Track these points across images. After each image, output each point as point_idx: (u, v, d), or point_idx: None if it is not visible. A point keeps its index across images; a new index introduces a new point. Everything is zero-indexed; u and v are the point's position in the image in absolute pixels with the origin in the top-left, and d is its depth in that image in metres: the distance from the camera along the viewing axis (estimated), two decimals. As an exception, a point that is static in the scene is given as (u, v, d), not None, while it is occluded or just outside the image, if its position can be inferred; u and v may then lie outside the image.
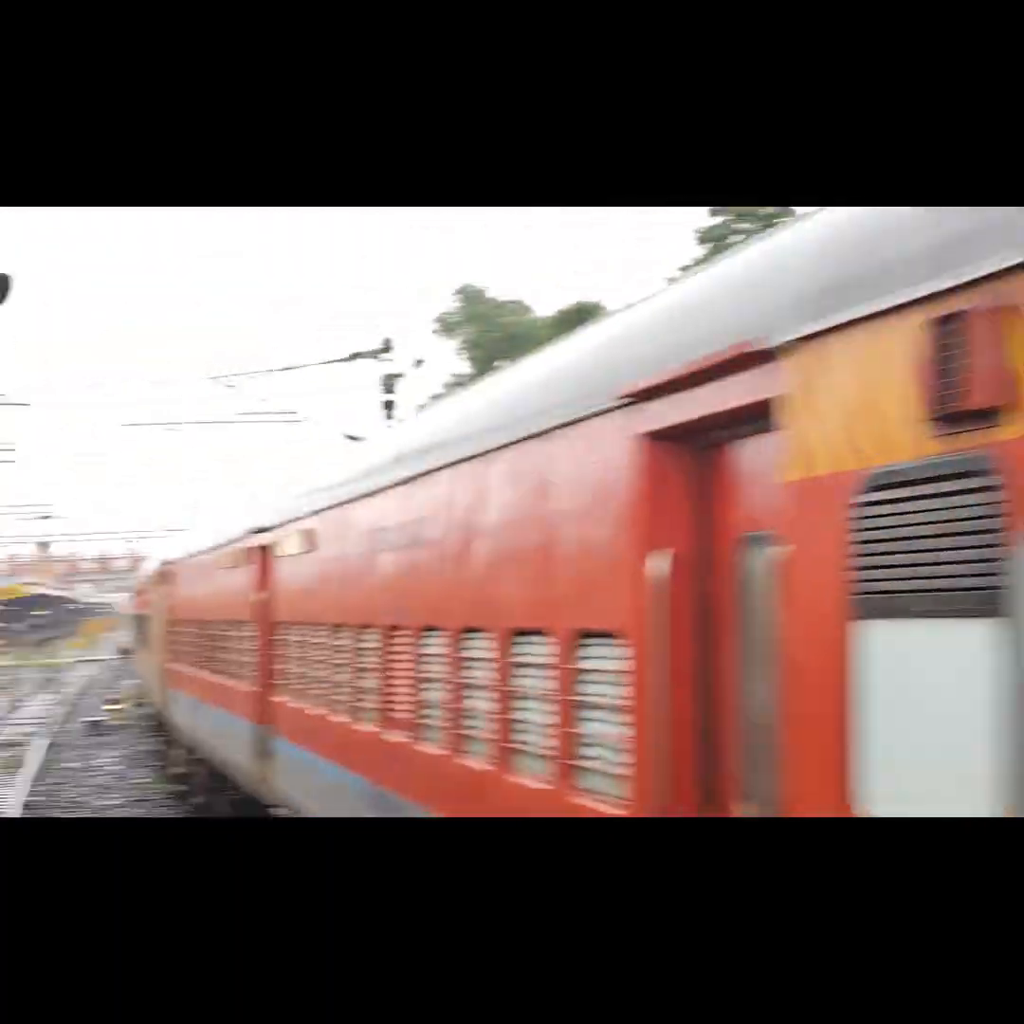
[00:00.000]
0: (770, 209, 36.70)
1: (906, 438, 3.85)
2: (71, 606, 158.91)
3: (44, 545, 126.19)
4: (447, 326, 53.79)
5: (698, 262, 34.89)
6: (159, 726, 32.76)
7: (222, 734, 17.68)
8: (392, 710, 9.29)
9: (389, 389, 28.91)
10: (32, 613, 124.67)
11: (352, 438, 27.53)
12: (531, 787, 6.65)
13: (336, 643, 11.06)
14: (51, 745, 36.27)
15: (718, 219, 43.14)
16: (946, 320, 3.70)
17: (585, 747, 6.17)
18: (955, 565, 3.59)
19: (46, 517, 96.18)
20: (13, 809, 25.52)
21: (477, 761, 7.48)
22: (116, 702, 42.74)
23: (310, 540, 12.04)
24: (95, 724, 39.42)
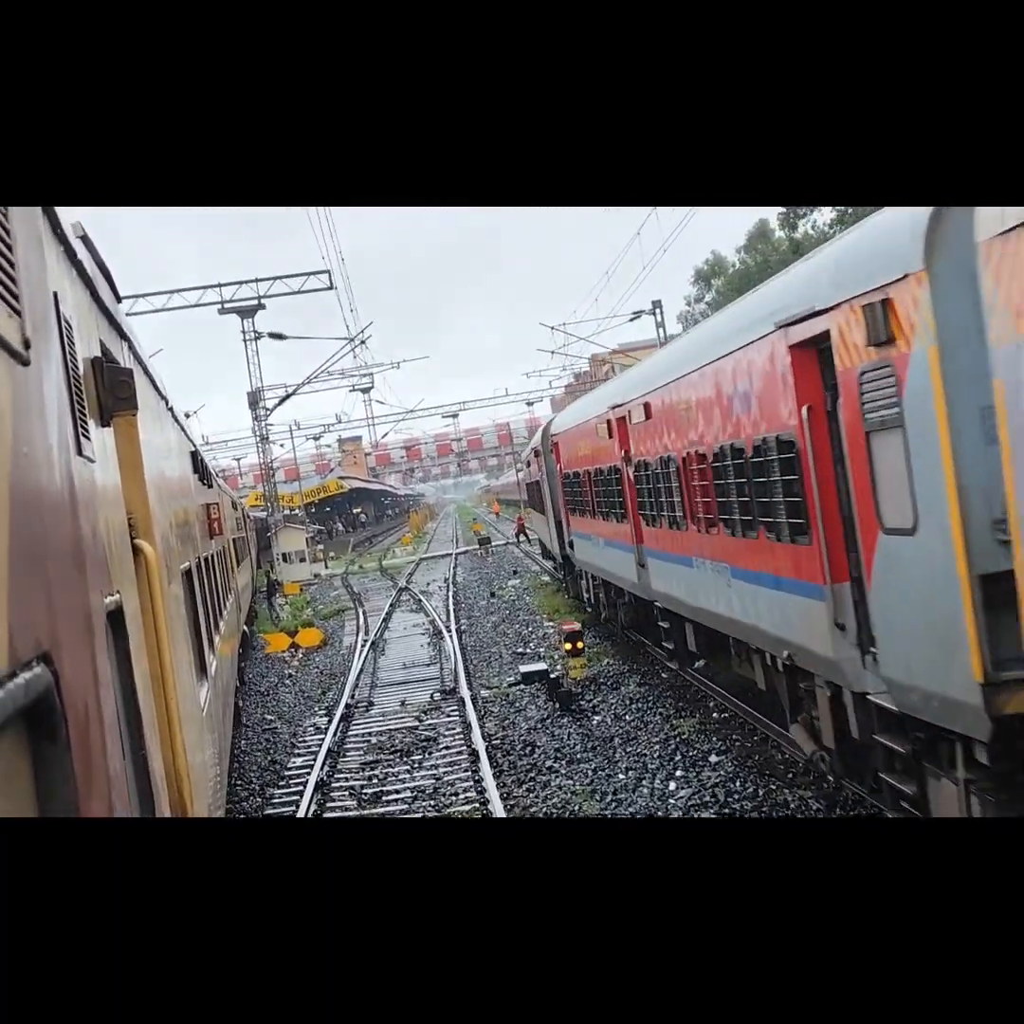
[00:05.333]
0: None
1: None
2: (385, 499, 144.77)
3: (353, 439, 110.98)
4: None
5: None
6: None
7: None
8: None
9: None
10: (352, 511, 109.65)
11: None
12: None
13: None
14: (500, 749, 17.69)
15: None
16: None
17: None
18: None
19: (368, 388, 79.49)
20: None
21: None
22: (576, 637, 21.91)
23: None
24: (553, 686, 20.33)
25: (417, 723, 20.84)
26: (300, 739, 21.25)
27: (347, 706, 22.93)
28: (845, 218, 64.98)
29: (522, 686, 22.21)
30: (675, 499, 15.78)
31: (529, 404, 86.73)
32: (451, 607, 37.93)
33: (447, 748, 18.56)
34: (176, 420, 12.10)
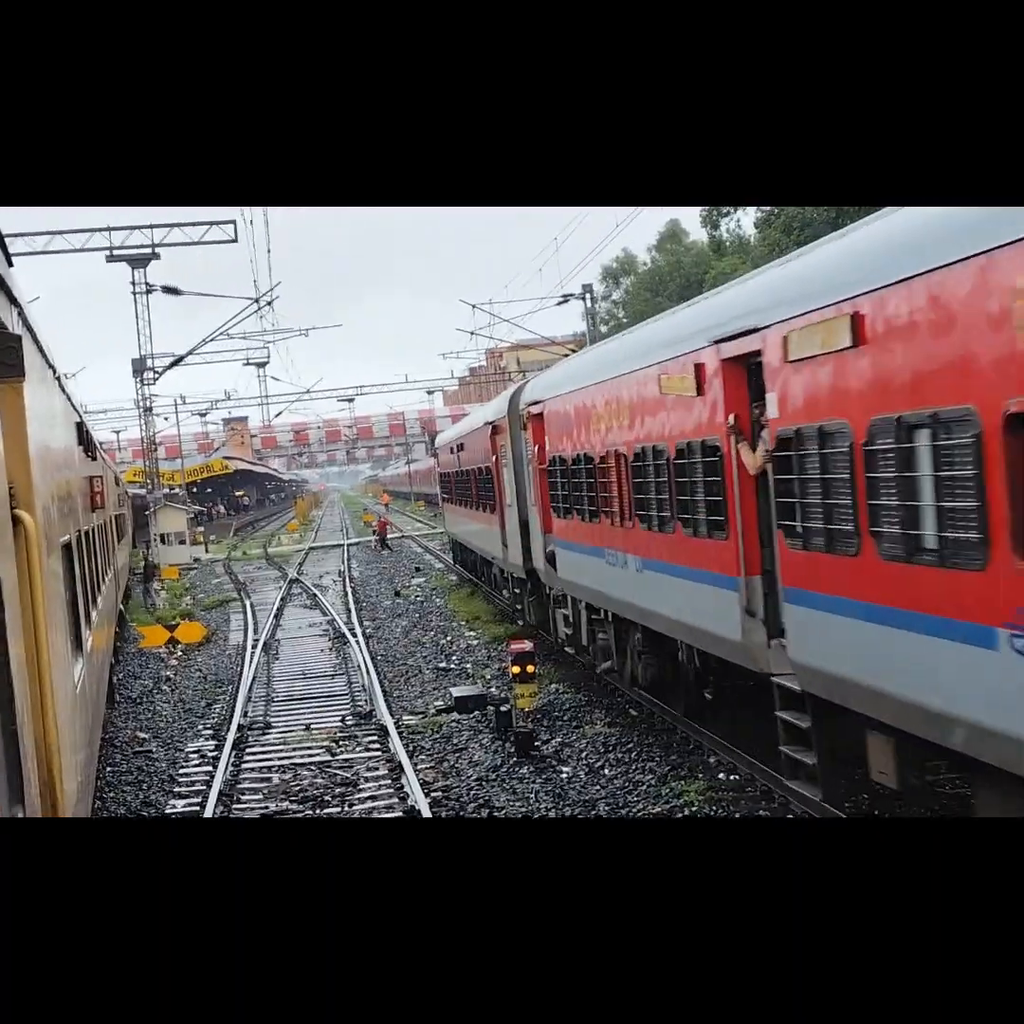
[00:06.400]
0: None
1: None
2: (269, 483, 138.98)
3: (239, 419, 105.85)
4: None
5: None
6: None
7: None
8: None
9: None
10: (235, 493, 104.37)
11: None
12: None
13: None
14: (445, 807, 13.60)
15: None
16: None
17: None
18: None
19: (264, 363, 74.55)
20: None
21: None
22: (527, 659, 16.59)
23: None
24: (502, 721, 16.26)
25: (329, 757, 16.66)
26: (181, 770, 16.91)
27: (239, 727, 18.64)
28: (771, 218, 62.16)
29: (456, 715, 18.19)
30: (962, 504, 7.40)
31: (429, 393, 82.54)
32: (351, 606, 33.68)
33: (372, 798, 14.42)
34: (63, 389, 11.41)
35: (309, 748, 17.36)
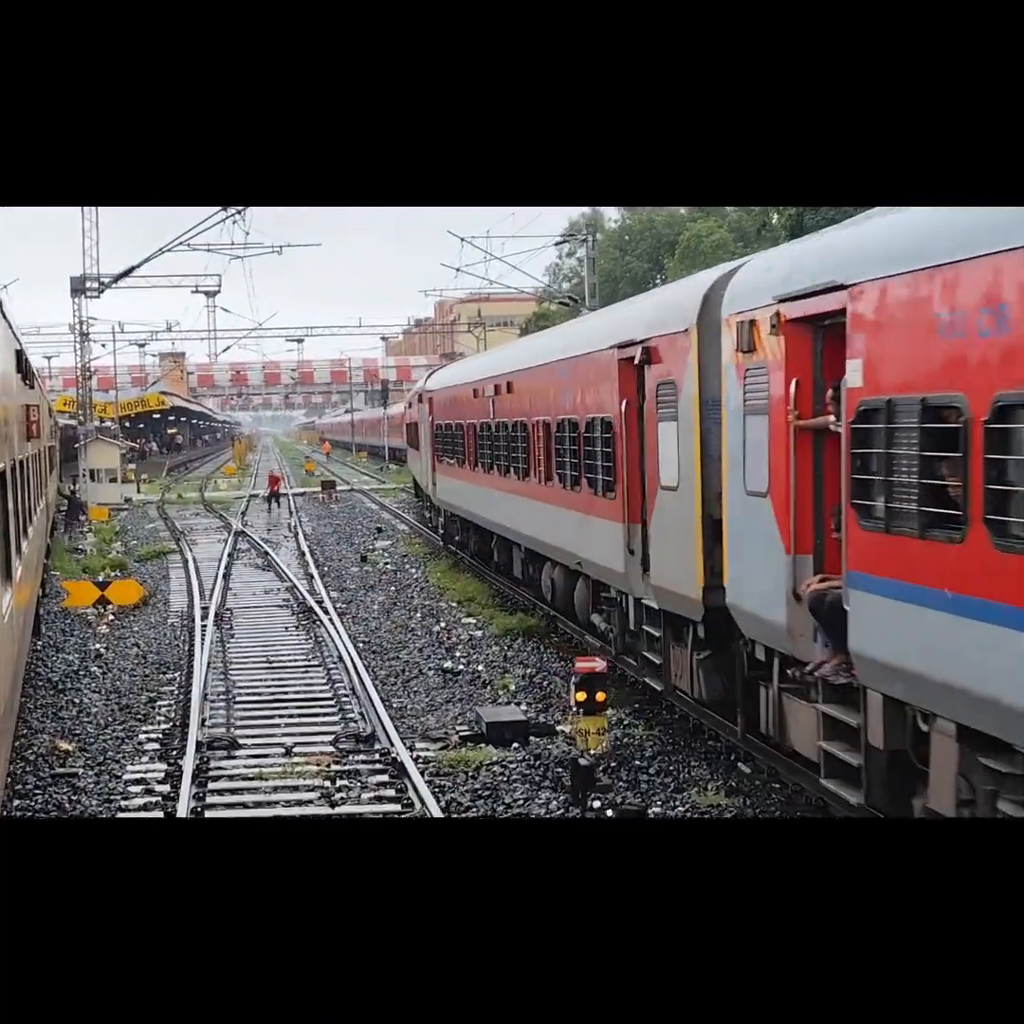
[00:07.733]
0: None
1: None
2: (202, 422, 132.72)
3: (177, 354, 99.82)
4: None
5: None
6: None
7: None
8: None
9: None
10: (168, 431, 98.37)
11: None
12: None
13: None
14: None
15: None
16: None
17: None
18: None
19: (214, 292, 68.47)
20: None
21: None
22: (596, 684, 12.21)
23: None
24: (583, 779, 11.21)
25: (328, 808, 11.81)
26: (118, 815, 11.95)
27: (196, 744, 13.71)
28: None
29: (491, 749, 13.42)
30: None
31: (383, 338, 77.38)
32: (312, 570, 28.73)
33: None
34: (4, 315, 10.82)
35: (295, 787, 12.51)
